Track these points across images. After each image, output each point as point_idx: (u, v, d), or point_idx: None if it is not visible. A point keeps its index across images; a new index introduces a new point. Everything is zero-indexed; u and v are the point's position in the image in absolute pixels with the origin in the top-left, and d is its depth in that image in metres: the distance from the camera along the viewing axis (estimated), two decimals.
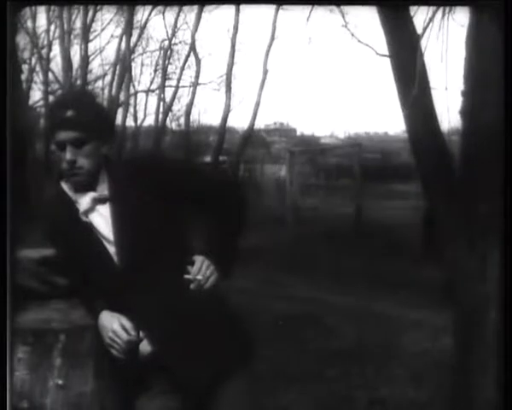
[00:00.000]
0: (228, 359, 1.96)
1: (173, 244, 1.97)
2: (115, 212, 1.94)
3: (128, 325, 1.90)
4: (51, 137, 1.93)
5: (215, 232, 2.02)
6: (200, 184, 2.02)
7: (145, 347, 1.90)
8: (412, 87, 5.13)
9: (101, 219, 1.94)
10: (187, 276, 1.91)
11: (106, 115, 2.05)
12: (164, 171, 1.99)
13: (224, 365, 1.95)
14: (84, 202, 1.95)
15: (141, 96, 22.19)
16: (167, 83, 20.80)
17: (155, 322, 1.91)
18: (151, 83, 22.12)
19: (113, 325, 1.91)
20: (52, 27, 20.44)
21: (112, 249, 1.93)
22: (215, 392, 1.93)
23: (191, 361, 1.91)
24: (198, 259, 1.94)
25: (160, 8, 18.42)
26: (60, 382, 2.07)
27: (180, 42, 20.61)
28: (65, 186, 1.98)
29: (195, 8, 16.49)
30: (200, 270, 1.92)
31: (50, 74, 21.50)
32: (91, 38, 20.53)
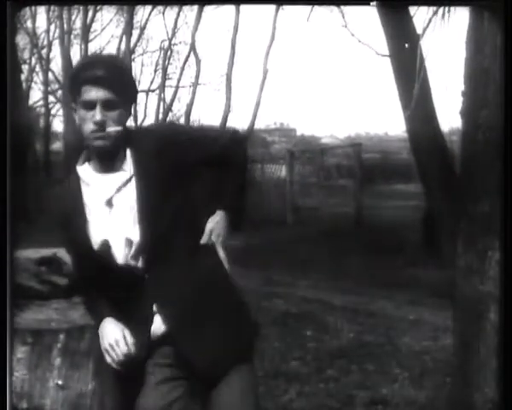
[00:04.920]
0: (236, 345, 1.96)
1: (190, 224, 1.96)
2: (140, 188, 1.90)
3: (130, 339, 1.91)
4: (77, 96, 1.89)
5: (227, 187, 2.03)
6: (210, 144, 2.00)
7: (159, 327, 1.91)
8: (412, 87, 5.14)
9: (123, 202, 1.91)
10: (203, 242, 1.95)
11: (134, 83, 2.01)
12: (180, 138, 1.98)
13: (232, 351, 1.95)
14: (106, 189, 1.92)
15: (141, 96, 22.22)
16: (167, 83, 20.83)
17: (171, 302, 1.91)
18: (151, 83, 22.16)
19: (116, 334, 1.91)
20: (52, 27, 20.48)
21: (130, 233, 1.90)
22: (220, 380, 1.92)
23: (203, 344, 1.91)
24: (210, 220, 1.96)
25: (159, 8, 18.45)
26: (59, 382, 2.07)
27: (180, 42, 20.65)
28: (82, 171, 1.96)
29: (195, 8, 16.49)
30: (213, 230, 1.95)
31: (50, 74, 21.54)
32: (91, 38, 20.56)
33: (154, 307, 1.91)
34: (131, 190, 1.91)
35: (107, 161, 1.92)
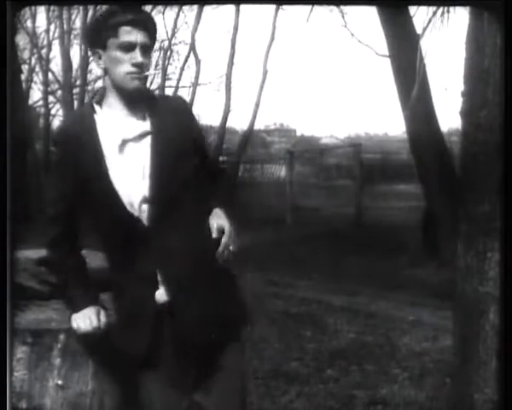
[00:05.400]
0: (231, 323, 2.01)
1: (197, 191, 1.97)
2: (156, 145, 1.92)
3: (103, 318, 2.00)
4: (110, 37, 1.88)
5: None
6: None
7: (162, 296, 1.93)
8: (412, 87, 5.14)
9: (135, 153, 1.92)
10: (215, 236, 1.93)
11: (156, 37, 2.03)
12: (194, 121, 2.07)
13: (228, 327, 2.00)
14: (123, 132, 1.92)
15: None
16: (167, 83, 20.80)
17: (173, 268, 1.93)
18: (151, 83, 22.09)
19: (92, 310, 2.00)
20: (52, 27, 20.46)
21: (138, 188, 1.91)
22: (216, 359, 1.97)
23: (200, 318, 1.94)
24: (227, 227, 1.95)
25: (159, 8, 18.42)
26: (59, 382, 2.07)
27: (180, 42, 20.62)
28: (100, 108, 1.95)
29: (195, 8, 16.49)
30: (228, 239, 1.94)
31: (50, 74, 21.52)
32: None
33: (159, 275, 1.92)
34: (146, 145, 1.93)
35: (134, 104, 1.94)
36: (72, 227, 2.04)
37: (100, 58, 1.93)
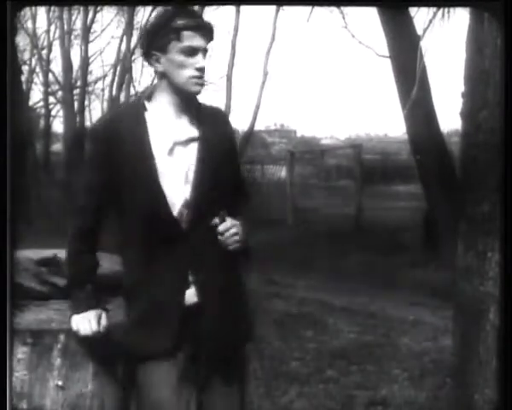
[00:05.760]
0: (244, 327, 2.07)
1: (227, 200, 2.00)
2: (203, 152, 1.97)
3: (104, 322, 2.00)
4: (172, 41, 1.91)
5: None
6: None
7: (192, 297, 1.96)
8: (412, 88, 5.14)
9: (183, 156, 1.96)
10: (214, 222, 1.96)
11: None
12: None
13: (242, 332, 2.06)
14: (173, 134, 1.95)
15: None
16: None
17: (206, 273, 1.97)
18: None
19: (92, 313, 2.00)
20: (52, 28, 20.50)
21: (180, 191, 1.94)
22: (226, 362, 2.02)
23: (223, 321, 1.99)
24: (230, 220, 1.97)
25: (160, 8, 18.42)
26: (59, 382, 2.07)
27: None
28: (152, 107, 1.97)
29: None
30: (228, 226, 1.95)
31: (50, 75, 21.54)
32: (92, 38, 20.59)
33: (190, 276, 1.95)
34: (192, 150, 1.97)
35: (184, 109, 1.98)
36: (98, 224, 2.03)
37: (157, 61, 1.95)
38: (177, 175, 1.95)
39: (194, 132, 1.98)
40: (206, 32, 1.94)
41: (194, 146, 1.97)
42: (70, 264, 2.07)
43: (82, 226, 2.02)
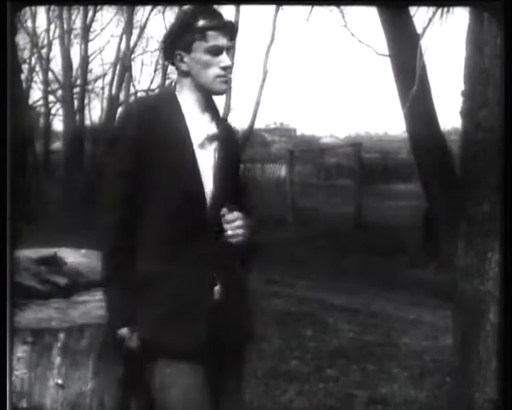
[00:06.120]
0: (247, 327, 2.07)
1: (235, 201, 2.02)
2: (220, 149, 1.99)
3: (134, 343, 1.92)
4: (196, 41, 1.92)
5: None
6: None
7: (215, 295, 1.96)
8: (412, 86, 5.14)
9: (209, 152, 1.98)
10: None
11: None
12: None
13: (245, 332, 2.06)
14: (202, 129, 1.97)
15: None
16: (167, 83, 20.78)
17: (226, 271, 1.97)
18: (151, 83, 22.09)
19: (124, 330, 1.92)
20: (52, 27, 20.45)
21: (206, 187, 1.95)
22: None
23: (241, 319, 2.01)
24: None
25: (160, 8, 18.41)
26: (59, 381, 2.07)
27: None
28: (184, 100, 1.97)
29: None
30: (236, 217, 1.96)
31: (50, 74, 21.51)
32: (91, 37, 20.52)
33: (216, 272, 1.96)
34: (215, 147, 1.99)
35: (210, 106, 2.01)
36: (134, 214, 1.95)
37: (181, 60, 1.96)
38: (206, 169, 1.96)
39: (215, 130, 2.01)
40: (230, 30, 1.96)
41: (215, 143, 2.00)
42: (110, 262, 1.95)
43: (120, 217, 1.94)
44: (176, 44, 1.95)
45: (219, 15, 1.96)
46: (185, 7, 2.05)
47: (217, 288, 1.96)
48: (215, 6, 2.01)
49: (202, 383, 1.93)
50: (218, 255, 1.95)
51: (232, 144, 2.07)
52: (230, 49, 1.98)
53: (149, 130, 1.92)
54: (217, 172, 1.97)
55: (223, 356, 1.99)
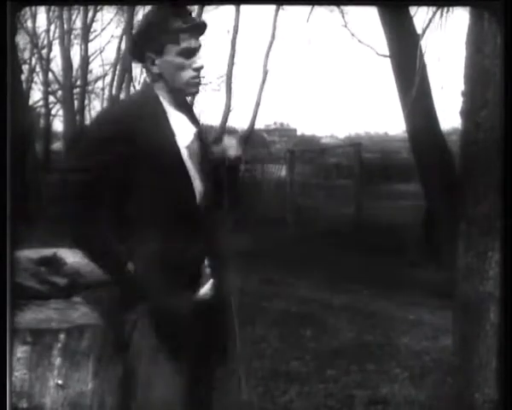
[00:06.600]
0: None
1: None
2: (202, 147, 2.00)
3: None
4: (168, 44, 1.91)
5: None
6: None
7: (207, 291, 1.97)
8: (412, 86, 5.14)
9: (193, 150, 1.98)
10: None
11: None
12: None
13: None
14: (184, 127, 1.98)
15: None
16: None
17: (220, 266, 1.99)
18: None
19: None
20: (52, 27, 20.50)
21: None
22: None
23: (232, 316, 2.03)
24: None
25: None
26: (59, 381, 2.07)
27: None
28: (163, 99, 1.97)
29: (195, 8, 16.48)
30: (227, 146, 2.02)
31: (50, 74, 21.54)
32: (91, 38, 20.56)
33: (207, 269, 1.96)
34: (196, 144, 1.99)
35: (185, 107, 2.02)
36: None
37: (153, 63, 1.94)
38: (191, 165, 1.96)
39: (194, 127, 2.01)
40: (201, 31, 1.95)
41: (196, 140, 2.00)
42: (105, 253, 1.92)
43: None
44: (146, 46, 1.93)
45: (190, 16, 1.94)
46: (154, 7, 2.02)
47: (208, 284, 1.97)
48: (186, 5, 2.00)
49: (186, 381, 1.93)
50: (211, 249, 1.97)
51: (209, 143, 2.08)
52: (200, 49, 1.97)
53: (133, 129, 1.89)
54: (202, 168, 1.97)
55: (209, 353, 1.99)
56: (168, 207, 1.92)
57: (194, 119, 2.05)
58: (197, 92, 2.00)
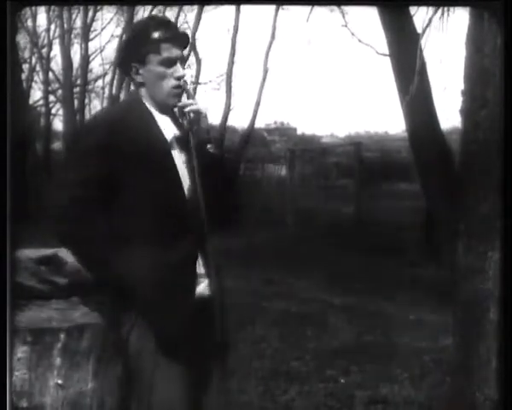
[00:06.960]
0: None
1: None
2: (186, 149, 2.00)
3: None
4: (150, 54, 1.95)
5: None
6: None
7: (204, 290, 1.98)
8: (412, 86, 5.13)
9: (179, 152, 1.99)
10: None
11: None
12: None
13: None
14: (170, 130, 2.00)
15: None
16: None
17: (214, 266, 1.99)
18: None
19: None
20: (52, 27, 20.47)
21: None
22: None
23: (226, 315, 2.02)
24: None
25: (160, 8, 18.41)
26: (59, 381, 2.07)
27: None
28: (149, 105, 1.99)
29: (195, 8, 16.49)
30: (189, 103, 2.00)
31: (50, 74, 21.52)
32: (92, 37, 20.54)
33: (202, 268, 1.97)
34: (185, 147, 2.00)
35: (168, 111, 2.03)
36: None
37: (137, 72, 1.99)
38: (181, 167, 1.98)
39: (179, 131, 2.03)
40: (183, 41, 2.00)
41: (183, 143, 2.01)
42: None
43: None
44: (131, 57, 1.99)
45: (173, 26, 1.99)
46: (139, 19, 2.08)
47: (202, 284, 1.97)
48: (170, 17, 2.04)
49: (187, 382, 1.94)
50: (202, 251, 1.98)
51: (199, 145, 2.05)
52: (184, 59, 2.02)
53: (121, 136, 1.92)
54: (191, 169, 1.98)
55: (207, 355, 2.00)
56: (158, 206, 1.94)
57: (178, 123, 2.05)
58: (175, 105, 2.01)
